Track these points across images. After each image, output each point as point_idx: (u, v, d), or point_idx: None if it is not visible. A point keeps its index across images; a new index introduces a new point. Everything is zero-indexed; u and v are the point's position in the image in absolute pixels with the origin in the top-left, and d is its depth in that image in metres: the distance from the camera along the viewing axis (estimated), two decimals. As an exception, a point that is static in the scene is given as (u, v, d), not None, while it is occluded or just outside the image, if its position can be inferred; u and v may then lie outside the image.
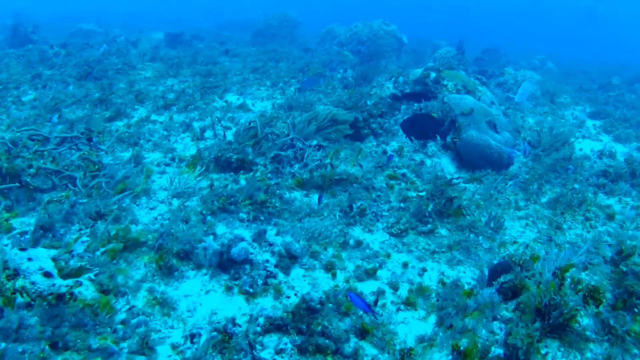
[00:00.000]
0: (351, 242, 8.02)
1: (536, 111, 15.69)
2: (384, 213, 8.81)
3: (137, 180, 9.22)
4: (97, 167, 9.27)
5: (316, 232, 7.97)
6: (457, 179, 9.70)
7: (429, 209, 8.50)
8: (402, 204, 8.96)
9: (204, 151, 9.86)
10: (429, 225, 8.38)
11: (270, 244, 7.45)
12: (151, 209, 8.67)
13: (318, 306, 6.21)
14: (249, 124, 10.55)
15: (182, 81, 15.20)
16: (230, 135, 10.94)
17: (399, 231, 8.26)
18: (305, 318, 6.16)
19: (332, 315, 6.34)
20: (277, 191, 8.72)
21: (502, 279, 5.78)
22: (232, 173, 9.51)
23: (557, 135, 12.69)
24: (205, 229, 7.88)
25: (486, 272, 6.76)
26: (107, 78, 14.76)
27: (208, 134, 11.35)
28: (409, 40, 20.80)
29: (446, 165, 11.21)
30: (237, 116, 12.51)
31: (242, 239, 7.33)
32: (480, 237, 8.38)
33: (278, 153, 9.71)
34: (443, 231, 8.47)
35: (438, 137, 11.44)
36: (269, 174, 9.52)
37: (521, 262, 6.11)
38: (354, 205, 8.66)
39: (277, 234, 7.81)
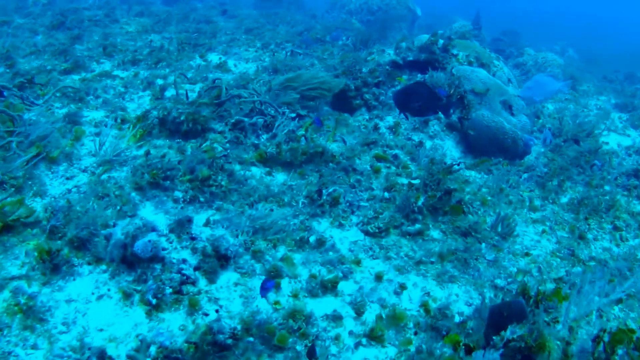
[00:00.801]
0: (312, 239, 5.73)
1: (557, 97, 13.23)
2: (362, 203, 6.50)
3: (62, 142, 7.00)
4: (16, 124, 7.04)
5: (267, 224, 5.70)
6: (458, 164, 7.32)
7: (419, 203, 6.17)
8: (386, 194, 6.64)
9: (153, 111, 7.58)
10: (417, 225, 6.06)
11: (193, 238, 5.20)
12: (68, 178, 6.45)
13: (229, 341, 3.97)
14: (213, 82, 8.26)
15: (166, 38, 12.88)
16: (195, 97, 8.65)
17: (378, 230, 5.96)
18: (210, 357, 3.93)
19: (252, 353, 4.10)
20: (226, 165, 6.43)
21: (508, 334, 3.44)
22: (179, 140, 7.25)
23: (581, 125, 10.27)
24: (119, 208, 5.66)
25: (487, 301, 4.45)
26: (79, 29, 12.49)
27: (170, 93, 9.07)
28: (424, 15, 18.30)
29: (450, 149, 8.86)
30: (214, 77, 10.20)
31: (154, 229, 5.09)
32: (483, 245, 6.06)
33: (240, 119, 7.41)
34: (435, 233, 6.15)
35: (442, 115, 9.10)
36: (227, 144, 7.25)
37: (539, 297, 3.80)
38: (324, 191, 6.36)
39: (207, 223, 5.53)
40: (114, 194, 5.97)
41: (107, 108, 8.28)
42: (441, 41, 10.03)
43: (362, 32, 14.52)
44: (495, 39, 17.39)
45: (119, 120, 7.76)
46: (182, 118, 7.17)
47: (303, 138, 7.45)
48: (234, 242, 5.26)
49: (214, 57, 11.53)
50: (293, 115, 7.95)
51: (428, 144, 8.72)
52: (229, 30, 14.00)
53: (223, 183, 6.18)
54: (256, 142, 7.33)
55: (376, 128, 8.56)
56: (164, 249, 5.02)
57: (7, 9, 14.16)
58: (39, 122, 7.20)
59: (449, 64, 9.81)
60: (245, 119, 7.42)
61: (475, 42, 10.99)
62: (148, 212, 5.87)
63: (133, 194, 6.07)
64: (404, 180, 7.14)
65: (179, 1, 17.99)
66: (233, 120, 7.36)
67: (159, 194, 6.14)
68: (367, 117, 9.17)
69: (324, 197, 6.28)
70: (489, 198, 7.15)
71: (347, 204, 6.38)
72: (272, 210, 6.00)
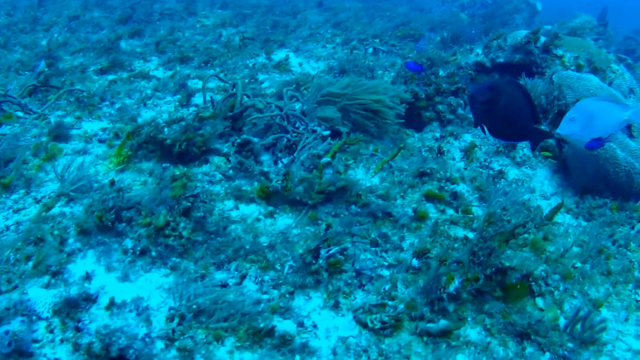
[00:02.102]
0: (280, 329, 3.77)
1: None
2: (380, 272, 4.44)
3: (31, 163, 5.55)
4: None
5: (221, 300, 3.83)
6: (524, 225, 4.88)
7: (451, 289, 3.97)
8: (415, 261, 4.50)
9: (145, 126, 5.90)
10: (443, 321, 3.88)
11: (78, 329, 3.45)
12: (15, 211, 4.95)
13: None
14: (232, 88, 6.48)
15: (241, 32, 11.27)
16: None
17: (382, 324, 3.87)
18: None
19: None
20: (198, 205, 4.59)
21: None
22: (167, 164, 5.53)
23: None
24: (33, 264, 4.05)
25: None
26: (147, 23, 11.22)
27: (197, 99, 7.40)
28: (545, 9, 15.38)
29: (542, 182, 6.51)
30: (268, 78, 8.43)
31: (25, 312, 3.40)
32: (547, 356, 3.79)
33: (248, 139, 5.54)
34: (473, 333, 3.93)
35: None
36: (230, 171, 5.44)
37: None
38: (322, 251, 4.36)
39: (110, 306, 3.72)
40: (52, 237, 4.40)
41: (114, 117, 6.76)
42: (542, 38, 7.55)
43: (456, 27, 12.17)
44: (626, 37, 14.18)
45: (111, 136, 6.19)
46: (168, 141, 5.44)
47: (331, 167, 5.46)
48: (146, 333, 3.45)
49: (281, 55, 9.73)
50: (327, 132, 5.96)
51: (512, 173, 6.43)
52: (314, 24, 12.15)
53: (184, 233, 4.38)
54: (266, 169, 5.44)
55: (440, 152, 6.36)
56: (35, 341, 3.31)
57: (89, 2, 13.25)
58: (11, 136, 5.81)
59: (549, 68, 7.33)
60: (255, 139, 5.56)
61: (589, 40, 8.33)
62: (87, 265, 4.23)
63: (71, 240, 4.45)
64: (460, 232, 4.97)
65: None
66: (239, 141, 5.51)
67: (108, 241, 4.47)
68: (437, 134, 7.01)
69: (320, 261, 4.28)
70: (578, 265, 4.79)
71: (355, 273, 4.34)
72: (241, 279, 4.14)
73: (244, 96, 6.12)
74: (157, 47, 9.50)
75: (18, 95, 7.05)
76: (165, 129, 5.59)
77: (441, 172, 5.78)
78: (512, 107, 4.20)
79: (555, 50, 7.47)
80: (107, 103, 7.20)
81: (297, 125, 6.04)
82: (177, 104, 7.29)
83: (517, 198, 5.72)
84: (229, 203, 5.07)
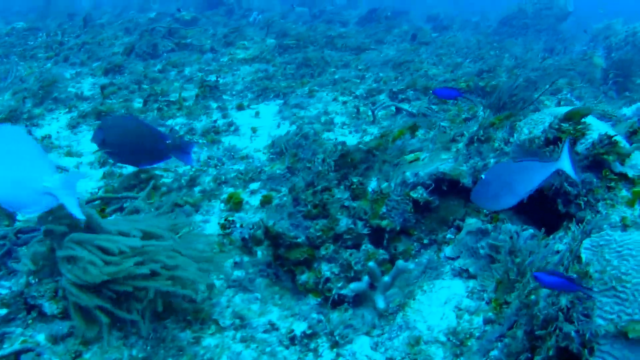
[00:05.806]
0: None
1: None
2: None
3: None
4: None
5: None
6: None
7: None
8: None
9: None
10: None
11: None
12: None
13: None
14: None
15: (261, 70, 8.46)
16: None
17: None
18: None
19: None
20: None
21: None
22: None
23: None
24: None
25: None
26: (151, 56, 8.92)
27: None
28: None
29: None
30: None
31: None
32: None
33: None
34: None
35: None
36: None
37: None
38: None
39: None
40: None
41: None
42: (594, 134, 3.64)
43: (599, 79, 8.22)
44: None
45: None
46: None
47: None
48: None
49: (251, 112, 6.76)
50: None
51: None
52: (368, 64, 8.86)
53: None
54: None
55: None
56: None
57: (130, 28, 11.39)
58: None
59: (593, 210, 3.43)
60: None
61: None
62: None
63: None
64: None
65: (372, 21, 13.27)
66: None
67: None
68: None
69: None
70: None
71: None
72: None
73: None
74: (102, 91, 7.10)
75: None
76: None
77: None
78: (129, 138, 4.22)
79: (621, 166, 3.54)
80: None
81: None
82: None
83: None
84: None
